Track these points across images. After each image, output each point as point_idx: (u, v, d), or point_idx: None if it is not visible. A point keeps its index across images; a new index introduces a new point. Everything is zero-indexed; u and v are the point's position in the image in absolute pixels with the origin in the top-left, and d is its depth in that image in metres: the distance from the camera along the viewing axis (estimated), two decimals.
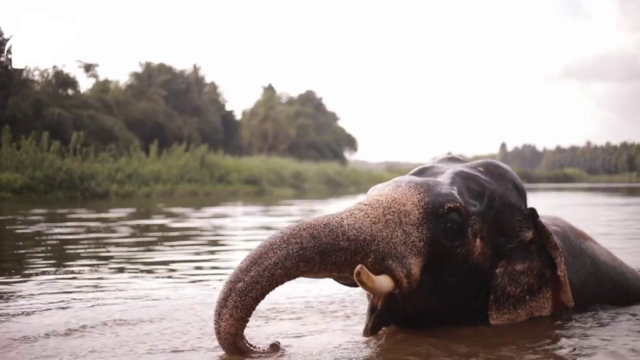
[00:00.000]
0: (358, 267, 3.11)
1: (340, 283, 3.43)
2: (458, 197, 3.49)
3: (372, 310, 3.53)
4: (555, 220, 4.29)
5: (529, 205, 3.80)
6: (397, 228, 3.32)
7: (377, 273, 3.25)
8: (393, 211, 3.35)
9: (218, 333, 3.08)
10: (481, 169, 3.80)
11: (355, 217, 3.29)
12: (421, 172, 3.85)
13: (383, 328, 3.57)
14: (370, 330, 3.50)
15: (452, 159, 4.03)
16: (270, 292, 3.10)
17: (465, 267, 3.49)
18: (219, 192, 36.39)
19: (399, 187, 3.49)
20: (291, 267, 3.09)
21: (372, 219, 3.30)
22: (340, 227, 3.21)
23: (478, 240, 3.52)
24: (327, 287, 4.86)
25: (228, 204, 22.89)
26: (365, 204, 3.39)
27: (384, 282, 3.24)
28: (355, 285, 3.28)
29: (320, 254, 3.14)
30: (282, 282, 3.11)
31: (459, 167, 3.80)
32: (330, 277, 3.35)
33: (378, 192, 3.54)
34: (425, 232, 3.37)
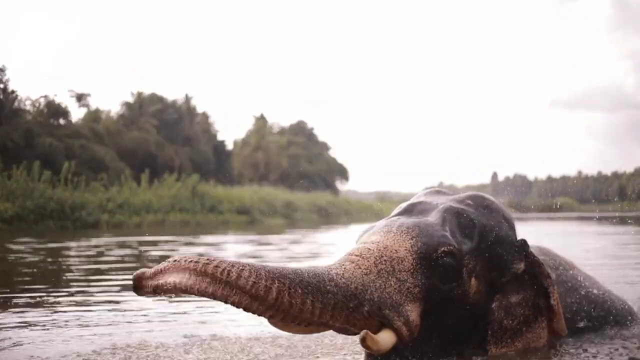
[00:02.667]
0: (362, 332, 3.04)
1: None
2: (451, 238, 3.45)
3: (370, 354, 3.47)
4: (542, 249, 4.30)
5: (519, 236, 3.80)
6: (390, 277, 3.26)
7: (377, 330, 3.20)
8: (385, 260, 3.29)
9: None
10: (469, 202, 3.76)
11: (345, 268, 3.22)
12: (410, 209, 3.79)
13: None
14: None
15: (438, 192, 4.00)
16: None
17: (462, 307, 3.46)
18: (210, 221, 36.31)
19: (390, 233, 3.44)
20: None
21: (364, 270, 3.23)
22: (328, 273, 3.13)
23: (473, 279, 3.49)
24: None
25: (219, 234, 22.82)
26: (356, 255, 3.32)
27: (386, 339, 3.17)
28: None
29: (304, 289, 3.03)
30: None
31: (447, 202, 3.75)
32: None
33: (368, 238, 3.49)
34: (420, 278, 3.32)
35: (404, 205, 3.88)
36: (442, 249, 3.37)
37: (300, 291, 3.01)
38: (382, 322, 3.21)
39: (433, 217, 3.61)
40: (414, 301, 3.28)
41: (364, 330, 3.07)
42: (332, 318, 3.09)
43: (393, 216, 3.76)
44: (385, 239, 3.41)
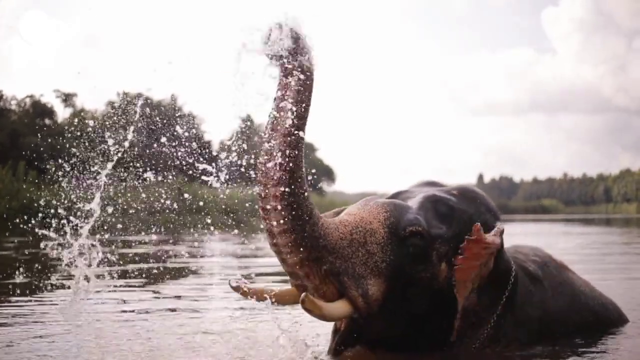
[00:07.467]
0: (302, 295, 3.08)
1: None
2: (421, 220, 3.44)
3: (336, 331, 3.53)
4: (535, 250, 4.31)
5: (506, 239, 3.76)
6: (360, 248, 3.30)
7: (335, 299, 3.23)
8: (360, 230, 3.34)
9: None
10: (455, 192, 3.76)
11: (326, 225, 3.26)
12: (395, 196, 3.83)
13: (349, 349, 3.50)
14: (333, 351, 3.48)
15: (429, 183, 4.03)
16: None
17: (429, 292, 3.43)
18: (196, 222, 36.27)
19: (367, 206, 3.49)
20: None
21: (340, 235, 3.28)
22: (316, 220, 3.21)
23: (444, 264, 3.45)
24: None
25: (205, 234, 22.73)
26: (339, 221, 3.37)
27: (336, 307, 3.20)
28: None
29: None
30: None
31: (432, 190, 3.76)
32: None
33: (348, 210, 3.55)
34: (389, 254, 3.33)
35: (391, 193, 3.93)
36: (410, 228, 3.38)
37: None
38: (340, 291, 3.24)
39: (412, 202, 3.64)
40: (378, 276, 3.30)
41: (304, 294, 3.10)
42: (291, 252, 3.17)
43: None
44: (362, 211, 3.46)
